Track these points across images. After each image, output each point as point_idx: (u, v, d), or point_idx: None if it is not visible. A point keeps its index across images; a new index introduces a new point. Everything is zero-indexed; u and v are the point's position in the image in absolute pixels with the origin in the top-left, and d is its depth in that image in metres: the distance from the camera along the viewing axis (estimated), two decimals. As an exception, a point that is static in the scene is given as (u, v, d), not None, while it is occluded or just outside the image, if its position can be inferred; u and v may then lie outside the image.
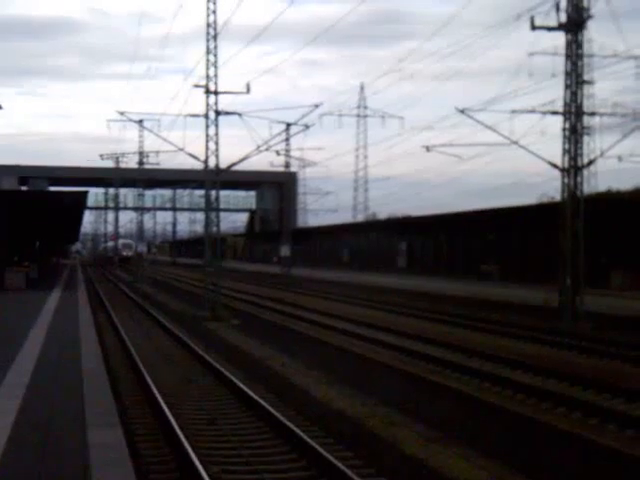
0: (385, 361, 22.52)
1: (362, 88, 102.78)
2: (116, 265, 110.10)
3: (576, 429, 14.15)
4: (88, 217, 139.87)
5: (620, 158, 37.72)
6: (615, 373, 20.54)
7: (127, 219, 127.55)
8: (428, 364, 22.12)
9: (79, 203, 46.49)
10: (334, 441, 13.53)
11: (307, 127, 45.43)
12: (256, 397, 16.73)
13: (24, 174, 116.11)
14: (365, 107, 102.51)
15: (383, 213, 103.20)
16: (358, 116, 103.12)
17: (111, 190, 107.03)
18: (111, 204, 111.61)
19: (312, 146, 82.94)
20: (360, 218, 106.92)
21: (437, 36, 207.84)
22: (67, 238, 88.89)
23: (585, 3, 33.61)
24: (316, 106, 42.02)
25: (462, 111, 36.15)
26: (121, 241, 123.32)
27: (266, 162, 79.36)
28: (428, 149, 42.51)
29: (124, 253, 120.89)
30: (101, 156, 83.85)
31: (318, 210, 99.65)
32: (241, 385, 18.24)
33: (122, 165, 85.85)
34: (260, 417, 15.55)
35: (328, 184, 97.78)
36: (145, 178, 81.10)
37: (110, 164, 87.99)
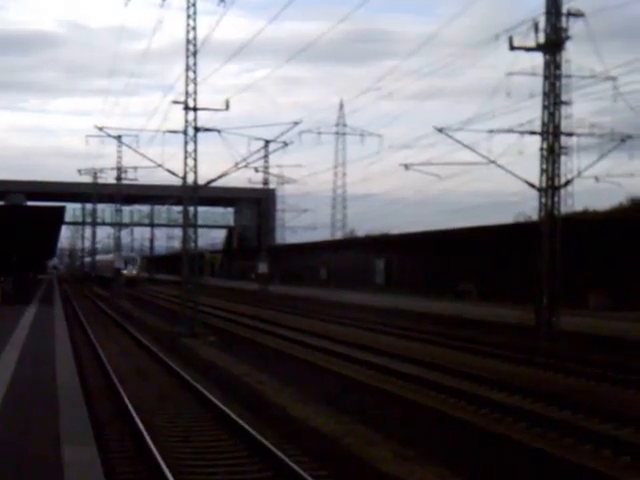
0: (362, 379, 22.50)
1: (341, 106, 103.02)
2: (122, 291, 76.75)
3: (551, 448, 14.16)
4: (65, 232, 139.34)
5: (597, 178, 37.83)
6: (591, 393, 20.58)
7: (104, 234, 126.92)
8: (405, 382, 22.10)
9: (56, 218, 46.33)
10: (310, 459, 13.50)
11: (286, 144, 45.41)
12: (231, 414, 16.69)
13: (1, 188, 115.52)
14: (344, 125, 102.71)
15: (361, 231, 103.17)
16: (337, 134, 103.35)
17: (89, 205, 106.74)
18: (89, 219, 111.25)
19: (291, 163, 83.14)
20: (338, 235, 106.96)
21: (416, 55, 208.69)
22: (44, 253, 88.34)
23: (563, 24, 33.81)
24: (295, 123, 42.07)
25: (441, 130, 36.27)
26: (121, 255, 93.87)
27: (244, 179, 79.41)
28: (407, 167, 42.54)
29: (125, 271, 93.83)
30: (79, 171, 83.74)
31: (296, 227, 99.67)
32: (216, 402, 18.19)
33: (100, 180, 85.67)
34: (235, 434, 15.50)
35: (307, 201, 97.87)
36: (123, 194, 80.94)
37: (88, 179, 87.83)
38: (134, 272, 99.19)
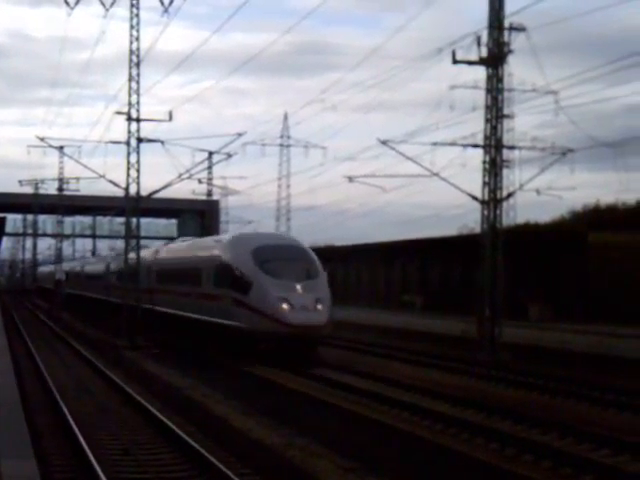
0: (305, 390, 22.48)
1: (285, 118, 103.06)
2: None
3: (493, 459, 14.22)
4: (6, 243, 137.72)
5: (538, 191, 38.11)
6: (533, 404, 20.73)
7: (46, 246, 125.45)
8: (347, 394, 22.09)
9: (-3, 229, 45.81)
10: (252, 471, 13.45)
11: (229, 156, 45.38)
12: (172, 426, 16.59)
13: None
14: (288, 137, 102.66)
15: (305, 242, 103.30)
16: (281, 145, 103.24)
17: (30, 216, 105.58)
18: (29, 230, 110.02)
19: (235, 175, 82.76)
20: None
21: (361, 67, 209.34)
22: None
23: (505, 38, 34.10)
24: (239, 135, 41.99)
25: (384, 142, 36.40)
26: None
27: (188, 190, 79.00)
28: (351, 179, 42.70)
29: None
30: (20, 182, 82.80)
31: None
32: (158, 414, 18.07)
33: (41, 191, 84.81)
34: (176, 447, 15.40)
35: (251, 213, 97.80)
36: (65, 205, 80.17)
37: (29, 190, 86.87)
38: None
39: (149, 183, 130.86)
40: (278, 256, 30.43)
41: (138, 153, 39.73)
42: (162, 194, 45.24)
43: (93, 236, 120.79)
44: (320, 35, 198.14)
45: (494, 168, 33.58)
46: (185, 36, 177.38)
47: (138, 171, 39.77)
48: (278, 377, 25.38)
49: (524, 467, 13.85)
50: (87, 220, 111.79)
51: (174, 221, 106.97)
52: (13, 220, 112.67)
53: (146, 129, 53.81)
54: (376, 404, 20.38)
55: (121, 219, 71.95)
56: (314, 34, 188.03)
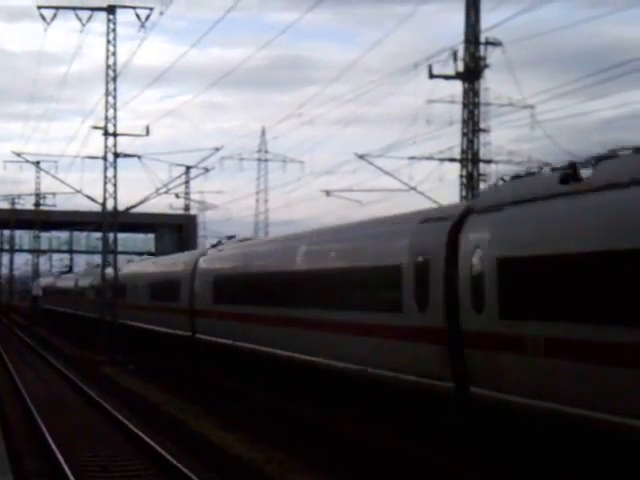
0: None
1: (263, 132, 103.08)
2: None
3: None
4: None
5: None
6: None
7: (22, 261, 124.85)
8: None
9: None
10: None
11: (207, 170, 45.28)
12: (151, 442, 16.53)
13: None
14: (266, 151, 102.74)
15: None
16: (259, 160, 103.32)
17: (6, 232, 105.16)
18: (6, 246, 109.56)
19: (212, 189, 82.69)
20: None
21: (338, 82, 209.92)
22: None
23: (482, 53, 34.30)
24: (217, 149, 41.97)
25: (362, 157, 36.45)
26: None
27: (165, 205, 78.91)
28: (328, 194, 42.72)
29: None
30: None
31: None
32: (135, 430, 18.00)
33: (18, 206, 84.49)
34: (155, 463, 15.34)
35: (229, 227, 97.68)
36: (41, 220, 79.87)
37: (6, 205, 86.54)
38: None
39: (126, 198, 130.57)
40: None
41: (115, 168, 39.71)
42: (139, 209, 45.22)
43: (70, 251, 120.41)
44: (298, 50, 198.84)
45: (471, 182, 33.71)
46: (163, 51, 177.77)
47: (115, 186, 39.72)
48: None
49: None
50: (64, 235, 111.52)
51: (151, 236, 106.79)
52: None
53: (123, 144, 53.69)
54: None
55: (98, 234, 71.75)
56: (292, 49, 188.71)
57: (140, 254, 79.30)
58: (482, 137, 34.21)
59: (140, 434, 17.53)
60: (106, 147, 39.65)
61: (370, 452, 16.08)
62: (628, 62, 26.18)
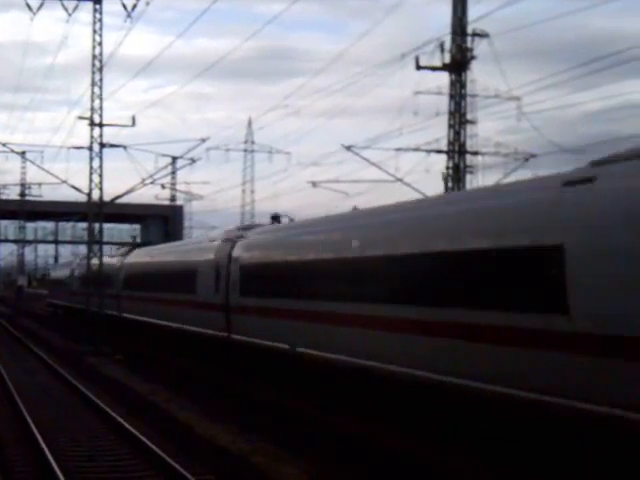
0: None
1: (249, 123, 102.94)
2: None
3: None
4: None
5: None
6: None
7: (7, 252, 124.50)
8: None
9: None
10: (216, 478, 13.39)
11: (193, 161, 45.19)
12: (137, 433, 16.50)
13: None
14: (252, 142, 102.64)
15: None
16: (245, 151, 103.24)
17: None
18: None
19: (199, 180, 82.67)
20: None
21: (325, 73, 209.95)
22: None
23: (469, 44, 34.31)
24: (203, 140, 41.90)
25: (348, 148, 36.43)
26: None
27: (151, 195, 78.83)
28: (314, 185, 42.70)
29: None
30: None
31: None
32: (121, 421, 17.96)
33: (3, 197, 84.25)
34: (140, 453, 15.32)
35: (215, 218, 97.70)
36: (27, 210, 79.68)
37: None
38: None
39: (112, 188, 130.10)
40: None
41: (101, 158, 39.59)
42: (125, 199, 45.13)
43: (55, 242, 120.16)
44: (285, 40, 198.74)
45: (457, 173, 33.73)
46: (150, 41, 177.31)
47: (101, 176, 39.60)
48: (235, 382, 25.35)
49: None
50: (50, 226, 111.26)
51: (137, 226, 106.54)
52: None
53: (109, 134, 53.68)
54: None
55: (84, 224, 71.57)
56: (279, 39, 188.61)
57: (126, 245, 78.88)
58: (469, 129, 34.27)
59: (125, 424, 17.49)
60: (92, 137, 39.53)
61: (357, 442, 16.09)
62: (615, 54, 26.25)
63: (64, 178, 43.61)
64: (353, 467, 14.14)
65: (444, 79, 34.63)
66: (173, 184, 75.54)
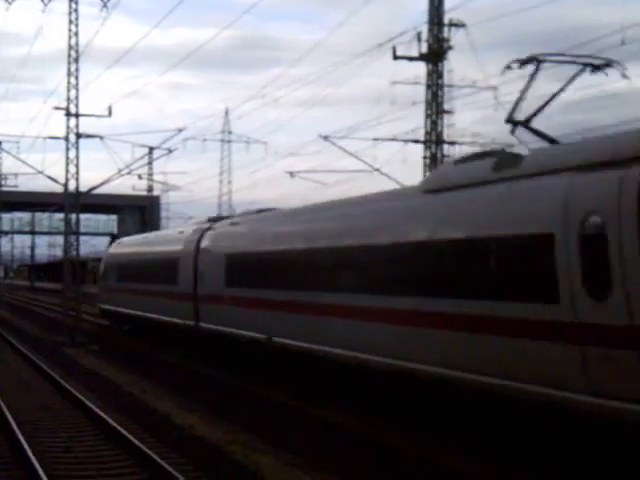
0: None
1: (227, 113, 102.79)
2: None
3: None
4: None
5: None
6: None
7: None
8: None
9: None
10: (193, 468, 13.38)
11: (170, 151, 45.17)
12: (114, 423, 16.47)
13: None
14: (229, 132, 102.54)
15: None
16: (222, 141, 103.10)
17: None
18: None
19: (176, 170, 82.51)
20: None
21: (303, 63, 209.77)
22: None
23: (445, 34, 34.33)
24: (180, 130, 41.80)
25: (326, 138, 36.42)
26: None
27: (128, 186, 78.56)
28: (292, 175, 42.70)
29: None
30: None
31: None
32: (98, 411, 17.92)
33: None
34: (117, 444, 15.29)
35: (192, 208, 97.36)
36: (3, 201, 79.33)
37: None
38: None
39: (89, 179, 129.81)
40: None
41: (77, 149, 39.40)
42: (102, 190, 44.99)
43: (32, 232, 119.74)
44: (263, 30, 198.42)
45: (435, 163, 33.79)
46: (127, 31, 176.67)
47: (77, 167, 39.42)
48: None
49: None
50: (26, 216, 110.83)
51: (114, 217, 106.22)
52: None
53: (86, 125, 53.52)
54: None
55: (60, 215, 71.35)
56: (257, 29, 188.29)
57: (102, 235, 78.76)
58: (446, 118, 34.33)
59: (103, 415, 17.45)
60: (68, 128, 39.36)
61: (335, 432, 16.10)
62: (590, 42, 26.30)
63: (40, 168, 43.51)
64: (327, 456, 14.15)
65: (421, 69, 34.71)
66: (150, 174, 75.26)
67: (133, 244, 40.73)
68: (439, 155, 33.58)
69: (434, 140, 33.57)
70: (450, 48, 34.43)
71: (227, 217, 30.55)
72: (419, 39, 34.26)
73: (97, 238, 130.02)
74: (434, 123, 33.64)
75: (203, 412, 18.43)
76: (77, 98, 39.15)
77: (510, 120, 14.94)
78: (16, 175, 71.92)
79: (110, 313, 41.42)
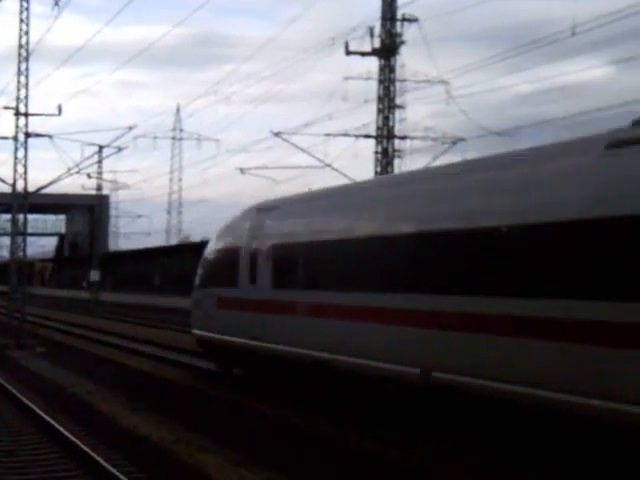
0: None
1: (178, 110, 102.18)
2: None
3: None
4: None
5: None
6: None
7: None
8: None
9: None
10: (137, 469, 13.02)
11: (120, 149, 44.72)
12: (58, 426, 16.04)
13: None
14: (181, 129, 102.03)
15: (197, 236, 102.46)
16: (173, 138, 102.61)
17: None
18: None
19: (126, 169, 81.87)
20: (173, 241, 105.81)
21: (255, 59, 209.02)
22: None
23: (398, 29, 34.14)
24: (130, 128, 41.37)
25: (277, 134, 36.12)
26: None
27: (78, 185, 77.82)
28: (243, 171, 42.33)
29: None
30: None
31: (130, 234, 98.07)
32: (42, 414, 17.47)
33: None
34: (62, 447, 14.86)
35: (142, 207, 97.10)
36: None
37: None
38: None
39: (38, 178, 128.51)
40: None
41: (26, 148, 39.06)
42: (51, 189, 44.57)
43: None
44: (216, 27, 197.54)
45: (386, 158, 33.58)
46: (78, 29, 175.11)
47: (25, 166, 39.07)
48: (162, 371, 24.93)
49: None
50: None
51: (63, 217, 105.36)
52: None
53: (36, 124, 52.95)
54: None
55: (8, 216, 70.55)
56: (210, 26, 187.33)
57: (50, 235, 77.98)
58: (398, 113, 34.15)
59: (47, 418, 17.01)
60: (17, 127, 38.96)
61: (283, 430, 15.83)
62: (543, 38, 26.20)
63: (-12, 168, 42.92)
64: (273, 454, 13.83)
65: (374, 64, 34.46)
66: (99, 173, 74.73)
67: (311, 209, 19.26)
68: (390, 150, 33.36)
69: (386, 135, 33.33)
70: (402, 43, 34.23)
71: None
72: (372, 34, 34.06)
73: (45, 238, 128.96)
74: (386, 118, 33.40)
75: (149, 413, 18.12)
76: (27, 97, 38.89)
77: None
78: (-37, 175, 71.17)
79: (226, 348, 21.85)
